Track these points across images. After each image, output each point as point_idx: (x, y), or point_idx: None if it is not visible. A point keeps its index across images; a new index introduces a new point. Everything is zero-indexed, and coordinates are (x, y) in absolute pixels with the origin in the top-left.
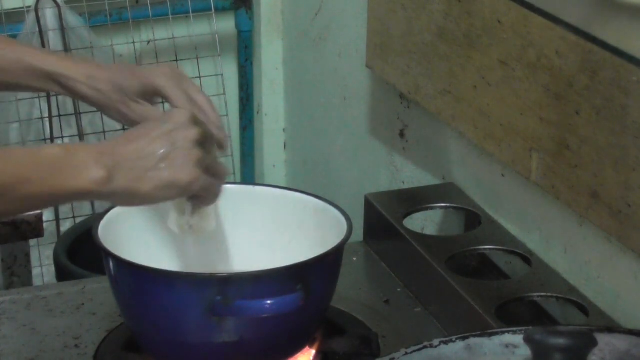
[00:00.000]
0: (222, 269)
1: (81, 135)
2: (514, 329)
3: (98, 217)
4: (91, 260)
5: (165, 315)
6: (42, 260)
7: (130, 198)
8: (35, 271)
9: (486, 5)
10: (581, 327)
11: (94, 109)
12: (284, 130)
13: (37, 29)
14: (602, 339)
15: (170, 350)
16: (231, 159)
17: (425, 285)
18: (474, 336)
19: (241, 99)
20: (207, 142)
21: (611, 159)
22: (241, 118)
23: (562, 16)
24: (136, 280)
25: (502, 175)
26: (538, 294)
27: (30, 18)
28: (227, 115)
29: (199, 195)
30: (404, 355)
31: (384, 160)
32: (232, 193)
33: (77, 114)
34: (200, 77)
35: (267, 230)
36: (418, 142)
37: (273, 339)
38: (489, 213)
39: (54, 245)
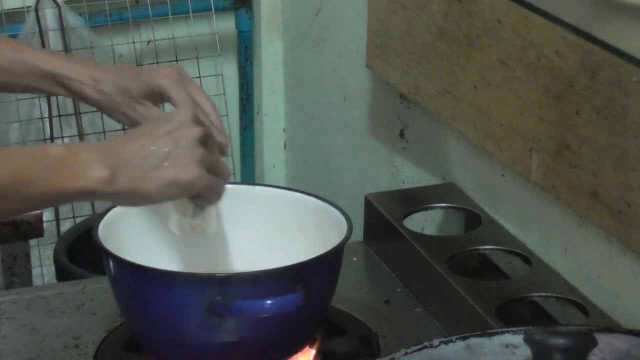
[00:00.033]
0: (222, 269)
1: (81, 135)
2: (514, 329)
3: (98, 217)
4: (91, 260)
5: (165, 315)
6: (42, 260)
7: (134, 197)
8: (35, 271)
9: (486, 5)
10: (581, 327)
11: (94, 109)
12: (284, 130)
13: (37, 29)
14: (602, 339)
15: (170, 350)
16: (231, 159)
17: (425, 285)
18: (474, 336)
19: (241, 99)
20: (209, 141)
21: (611, 159)
22: (241, 118)
23: (562, 16)
24: (136, 280)
25: (502, 175)
26: (538, 294)
27: (30, 18)
28: (227, 115)
29: (202, 195)
30: (404, 355)
31: (384, 160)
32: (232, 193)
33: (77, 114)
34: (200, 77)
35: (267, 230)
36: (418, 142)
37: (273, 339)
38: (489, 213)
39: (54, 245)
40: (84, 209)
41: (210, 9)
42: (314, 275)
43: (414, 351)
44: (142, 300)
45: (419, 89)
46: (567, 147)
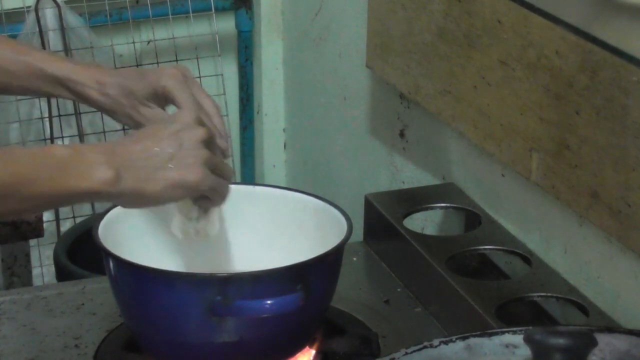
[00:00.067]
0: (222, 269)
1: (81, 135)
2: (514, 329)
3: (98, 217)
4: (91, 260)
5: (165, 315)
6: (42, 260)
7: (138, 198)
8: (35, 271)
9: (486, 5)
10: (581, 327)
11: (94, 109)
12: (284, 130)
13: (37, 29)
14: (602, 339)
15: (170, 350)
16: (231, 159)
17: (425, 285)
18: (474, 336)
19: (241, 99)
20: (212, 142)
21: (611, 159)
22: (241, 118)
23: (562, 16)
24: (136, 280)
25: (502, 175)
26: (538, 294)
27: (30, 18)
28: (227, 115)
29: (206, 197)
30: (404, 355)
31: (384, 160)
32: (232, 193)
33: (77, 114)
34: (200, 77)
35: (267, 230)
36: (418, 142)
37: (273, 339)
38: (489, 213)
39: (54, 245)
40: (84, 209)
41: (210, 9)
42: (314, 275)
43: (414, 351)
44: (142, 300)
45: (419, 89)
46: (567, 147)
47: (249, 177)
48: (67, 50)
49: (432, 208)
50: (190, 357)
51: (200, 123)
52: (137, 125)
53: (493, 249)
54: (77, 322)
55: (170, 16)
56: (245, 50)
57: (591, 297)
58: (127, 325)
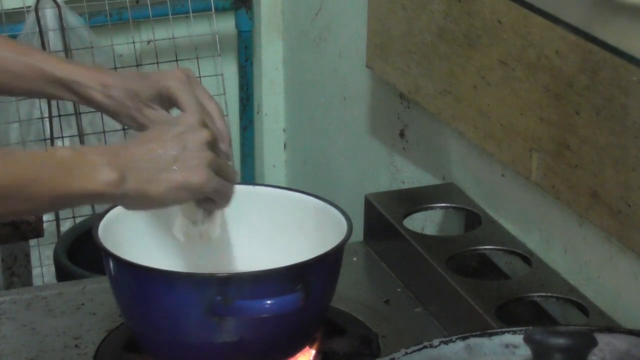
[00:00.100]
0: (222, 269)
1: (81, 135)
2: (514, 329)
3: (98, 217)
4: (91, 260)
5: (165, 315)
6: (42, 260)
7: (142, 200)
8: (35, 271)
9: (486, 5)
10: (581, 327)
11: (95, 109)
12: (284, 130)
13: (37, 29)
14: (602, 339)
15: (170, 350)
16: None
17: (425, 285)
18: (474, 336)
19: (241, 99)
20: (216, 144)
21: (611, 159)
22: (241, 118)
23: (562, 16)
24: (136, 280)
25: (502, 175)
26: (538, 294)
27: (30, 18)
28: (227, 115)
29: (210, 199)
30: (404, 355)
31: (384, 160)
32: None
33: (77, 114)
34: (200, 77)
35: (267, 230)
36: (418, 142)
37: (273, 339)
38: (489, 213)
39: (54, 245)
40: (84, 209)
41: (210, 9)
42: (314, 275)
43: (414, 351)
44: (142, 300)
45: (419, 89)
46: (567, 147)
47: (249, 177)
48: (67, 50)
49: (432, 208)
50: (190, 357)
51: (204, 125)
52: (140, 127)
53: (493, 249)
54: (77, 322)
55: (170, 16)
56: (245, 50)
57: (591, 297)
58: (127, 325)
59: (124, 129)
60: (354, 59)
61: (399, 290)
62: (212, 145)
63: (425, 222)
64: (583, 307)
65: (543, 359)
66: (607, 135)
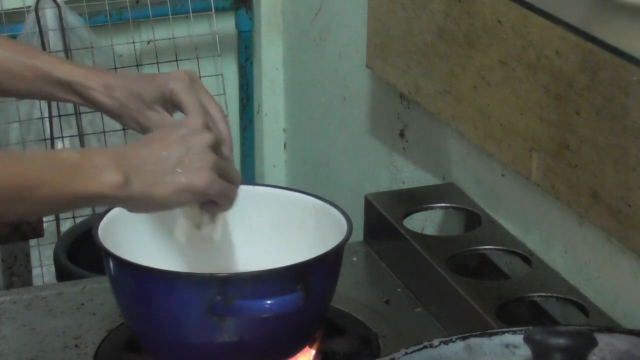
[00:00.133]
0: (222, 269)
1: (81, 135)
2: (514, 329)
3: (98, 217)
4: (91, 260)
5: (165, 315)
6: (42, 260)
7: (147, 202)
8: (35, 271)
9: (486, 5)
10: (581, 327)
11: (94, 109)
12: (284, 130)
13: (37, 29)
14: (602, 339)
15: (170, 350)
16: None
17: (425, 285)
18: (474, 336)
19: (241, 99)
20: (219, 147)
21: (611, 159)
22: (241, 118)
23: (562, 16)
24: (136, 280)
25: (502, 175)
26: (538, 294)
27: (30, 18)
28: (227, 115)
29: (214, 202)
30: (404, 355)
31: (384, 160)
32: None
33: (77, 114)
34: (200, 77)
35: (267, 230)
36: (418, 142)
37: (273, 339)
38: (489, 213)
39: (54, 245)
40: (84, 209)
41: (210, 9)
42: (314, 275)
43: (414, 351)
44: (142, 300)
45: (419, 89)
46: (567, 147)
47: (249, 177)
48: (67, 50)
49: (432, 208)
50: (190, 357)
51: (208, 128)
52: (144, 129)
53: (493, 249)
54: (77, 322)
55: (170, 16)
56: (245, 50)
57: (591, 297)
58: (127, 325)
59: (123, 129)
60: (354, 59)
61: (399, 290)
62: (216, 148)
63: (425, 222)
64: (583, 307)
65: (543, 359)
66: (607, 135)
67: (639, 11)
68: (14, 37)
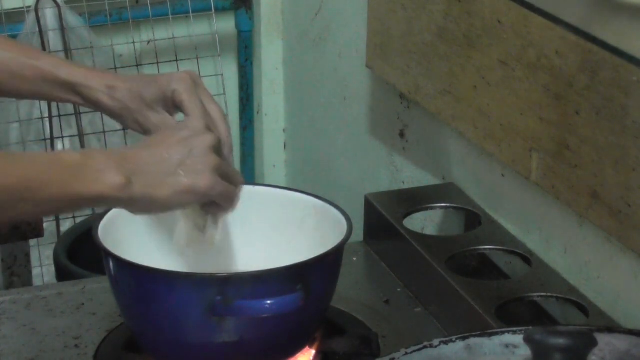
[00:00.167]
0: (222, 268)
1: (81, 135)
2: (514, 329)
3: (98, 217)
4: (91, 260)
5: (165, 315)
6: (42, 260)
7: (149, 204)
8: (35, 271)
9: (486, 5)
10: (581, 327)
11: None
12: (284, 130)
13: (37, 29)
14: (602, 339)
15: (170, 350)
16: (232, 160)
17: (425, 285)
18: (474, 336)
19: (241, 99)
20: (221, 149)
21: (611, 159)
22: (241, 118)
23: (562, 16)
24: (136, 280)
25: (502, 175)
26: (538, 294)
27: (30, 18)
28: (227, 115)
29: (215, 204)
30: (404, 355)
31: (384, 160)
32: None
33: (77, 114)
34: (200, 77)
35: (267, 230)
36: (418, 142)
37: (273, 339)
38: (489, 213)
39: (54, 245)
40: (84, 209)
41: (210, 9)
42: (314, 275)
43: (414, 351)
44: (142, 300)
45: (419, 89)
46: (567, 147)
47: (249, 177)
48: (67, 50)
49: (432, 208)
50: (190, 357)
51: (209, 130)
52: (145, 131)
53: (493, 249)
54: (77, 322)
55: (170, 16)
56: (245, 50)
57: (591, 297)
58: (127, 325)
59: (124, 129)
60: (354, 59)
61: (399, 290)
62: (217, 149)
63: (425, 222)
64: (583, 307)
65: (543, 359)
66: (607, 135)
67: (639, 11)
68: (14, 37)
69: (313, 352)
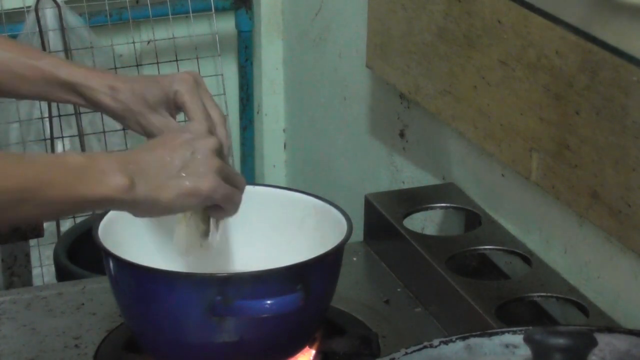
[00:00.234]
0: (222, 269)
1: (81, 135)
2: (514, 329)
3: (98, 217)
4: (91, 260)
5: (165, 315)
6: (42, 260)
7: (151, 206)
8: (35, 271)
9: (486, 5)
10: (581, 327)
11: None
12: (284, 130)
13: (37, 29)
14: (602, 339)
15: (170, 350)
16: (231, 159)
17: (425, 285)
18: (474, 336)
19: (241, 99)
20: (223, 151)
21: (611, 159)
22: (241, 118)
23: (562, 16)
24: (136, 280)
25: (502, 175)
26: (538, 294)
27: (30, 18)
28: (227, 115)
29: (218, 206)
30: (404, 355)
31: (384, 160)
32: None
33: (77, 114)
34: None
35: (267, 230)
36: (418, 142)
37: (273, 339)
38: (489, 213)
39: (54, 245)
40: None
41: (210, 9)
42: (314, 275)
43: (414, 351)
44: (142, 300)
45: (419, 89)
46: (567, 147)
47: (249, 177)
48: (67, 50)
49: (432, 208)
50: (190, 357)
51: (211, 132)
52: (147, 133)
53: (493, 249)
54: (77, 322)
55: (170, 16)
56: (245, 50)
57: (591, 297)
58: (127, 325)
59: (124, 130)
60: (354, 59)
61: (399, 290)
62: (220, 152)
63: (425, 222)
64: (583, 307)
65: (543, 359)
66: (607, 135)
67: (639, 11)
68: (14, 37)
69: (313, 352)
